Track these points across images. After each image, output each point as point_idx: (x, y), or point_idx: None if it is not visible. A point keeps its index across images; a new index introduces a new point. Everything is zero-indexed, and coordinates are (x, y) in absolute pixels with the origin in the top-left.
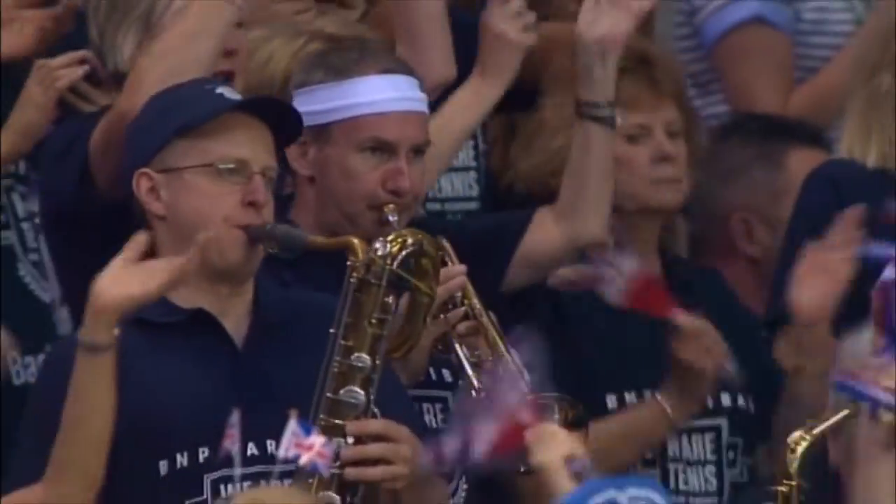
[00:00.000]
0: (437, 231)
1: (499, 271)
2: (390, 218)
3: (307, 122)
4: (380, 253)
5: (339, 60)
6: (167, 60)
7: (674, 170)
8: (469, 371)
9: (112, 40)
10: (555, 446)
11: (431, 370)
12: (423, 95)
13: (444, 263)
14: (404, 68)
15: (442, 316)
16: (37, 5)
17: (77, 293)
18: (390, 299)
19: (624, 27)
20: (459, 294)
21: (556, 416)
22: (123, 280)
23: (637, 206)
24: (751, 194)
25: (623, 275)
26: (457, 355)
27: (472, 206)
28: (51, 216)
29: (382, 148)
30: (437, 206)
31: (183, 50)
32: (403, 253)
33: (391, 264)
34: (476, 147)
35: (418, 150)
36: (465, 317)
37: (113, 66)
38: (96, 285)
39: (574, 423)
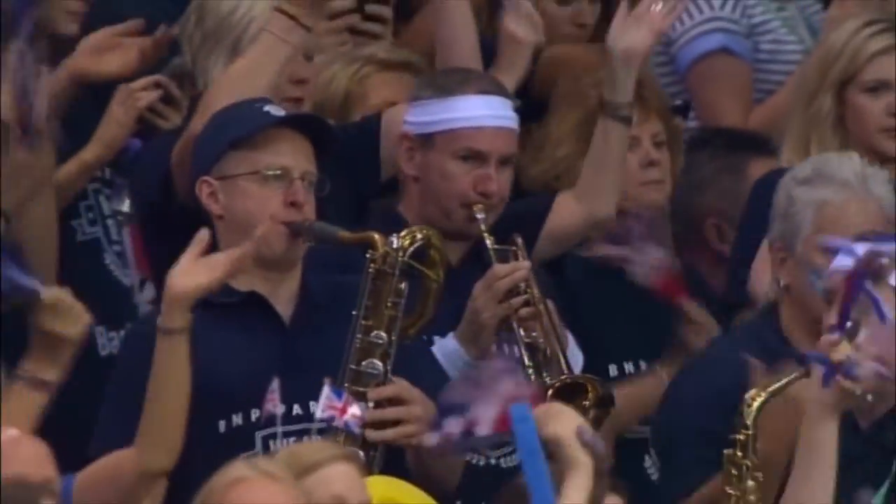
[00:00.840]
0: None
1: (528, 247)
2: (478, 216)
3: (416, 130)
4: (394, 246)
5: (445, 81)
6: (232, 88)
7: (659, 173)
8: (522, 350)
9: (203, 65)
10: (565, 419)
11: (495, 347)
12: (514, 115)
13: (517, 256)
14: (500, 90)
15: (507, 302)
16: (137, 34)
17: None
18: (403, 285)
19: (646, 42)
20: (523, 284)
21: (589, 395)
22: (192, 272)
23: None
24: (720, 201)
25: (650, 262)
26: (516, 335)
27: None
28: (140, 218)
29: (475, 157)
30: None
31: (245, 80)
32: (414, 246)
33: (403, 256)
34: None
35: (506, 161)
36: (526, 303)
37: (203, 88)
38: (169, 278)
39: (603, 401)
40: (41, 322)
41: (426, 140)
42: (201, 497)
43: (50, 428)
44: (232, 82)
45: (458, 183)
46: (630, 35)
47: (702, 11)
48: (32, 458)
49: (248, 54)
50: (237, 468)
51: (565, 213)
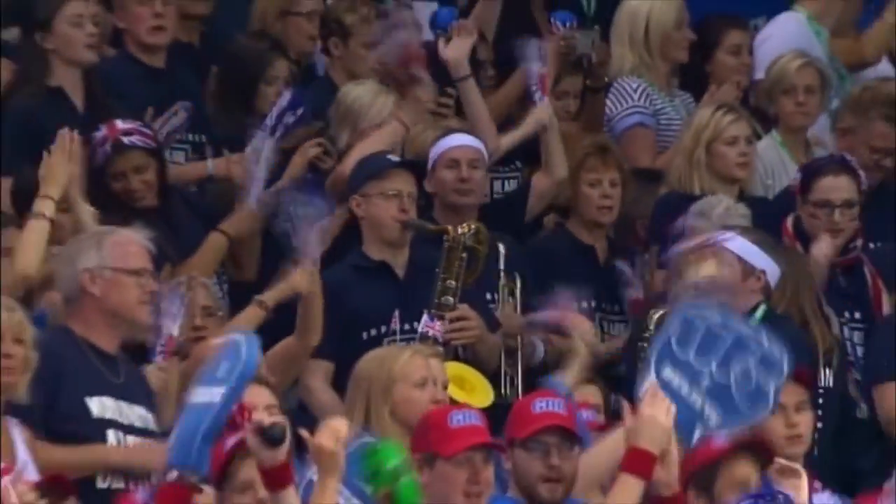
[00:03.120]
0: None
1: (521, 213)
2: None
3: None
4: (459, 232)
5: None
6: (369, 147)
7: (613, 201)
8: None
9: (339, 132)
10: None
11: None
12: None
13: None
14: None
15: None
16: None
17: None
18: (464, 255)
19: None
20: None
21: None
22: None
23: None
24: (644, 210)
25: (637, 285)
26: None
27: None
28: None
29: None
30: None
31: (376, 144)
32: (470, 232)
33: (464, 238)
34: (518, 170)
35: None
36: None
37: (339, 147)
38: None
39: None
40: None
41: None
42: (360, 366)
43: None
44: (370, 144)
45: None
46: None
47: (626, 102)
48: None
49: (382, 130)
50: (384, 349)
51: (544, 181)
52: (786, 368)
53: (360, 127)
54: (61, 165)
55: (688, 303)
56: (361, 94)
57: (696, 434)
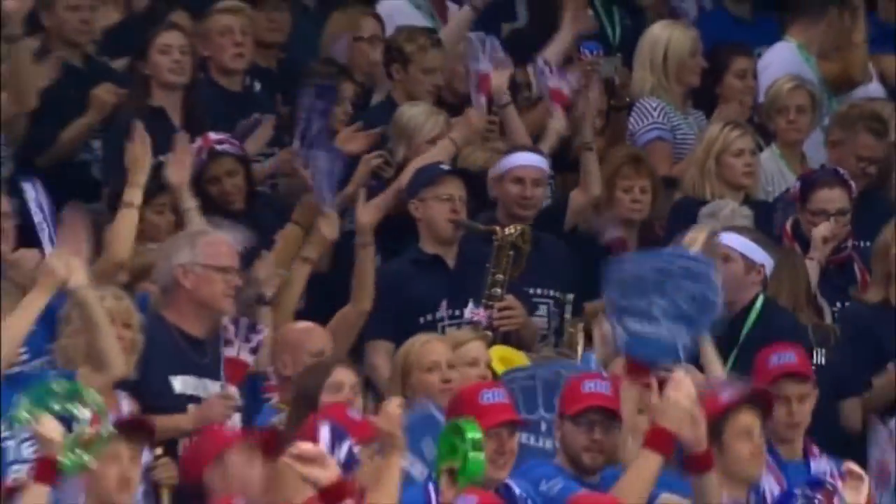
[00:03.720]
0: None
1: (562, 221)
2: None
3: None
4: (507, 233)
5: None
6: (425, 160)
7: (643, 205)
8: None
9: (396, 148)
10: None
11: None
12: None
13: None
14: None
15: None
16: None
17: None
18: (511, 252)
19: None
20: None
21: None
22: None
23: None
24: (662, 212)
25: None
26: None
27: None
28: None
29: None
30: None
31: (433, 158)
32: (517, 233)
33: (511, 237)
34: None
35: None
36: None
37: (397, 160)
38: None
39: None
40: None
41: None
42: (406, 347)
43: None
44: (425, 158)
45: None
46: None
47: (647, 119)
48: None
49: (436, 147)
50: (426, 336)
51: (580, 197)
52: (712, 273)
53: (415, 143)
54: (143, 154)
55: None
56: (416, 114)
57: (680, 353)
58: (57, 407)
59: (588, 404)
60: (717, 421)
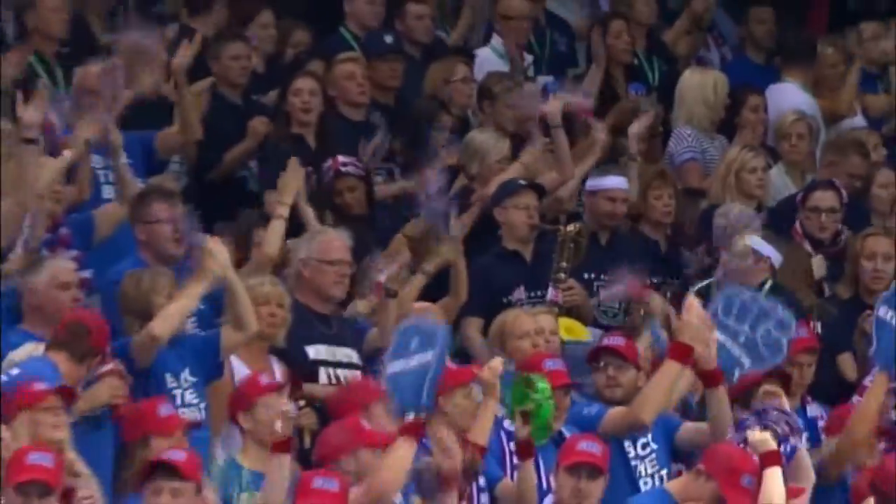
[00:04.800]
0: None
1: None
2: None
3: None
4: (569, 230)
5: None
6: (502, 178)
7: (671, 209)
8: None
9: (469, 164)
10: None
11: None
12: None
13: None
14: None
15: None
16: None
17: None
18: (572, 245)
19: None
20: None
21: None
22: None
23: (655, 223)
24: (693, 216)
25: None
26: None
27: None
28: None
29: None
30: None
31: (510, 174)
32: (575, 230)
33: (572, 233)
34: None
35: None
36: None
37: (471, 173)
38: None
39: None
40: None
41: None
42: (501, 319)
43: None
44: (505, 175)
45: None
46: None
47: (683, 144)
48: None
49: (511, 168)
50: (514, 311)
51: None
52: (793, 329)
53: (486, 162)
54: (293, 181)
55: (730, 285)
56: (486, 138)
57: (736, 373)
58: None
59: (600, 349)
60: (748, 390)
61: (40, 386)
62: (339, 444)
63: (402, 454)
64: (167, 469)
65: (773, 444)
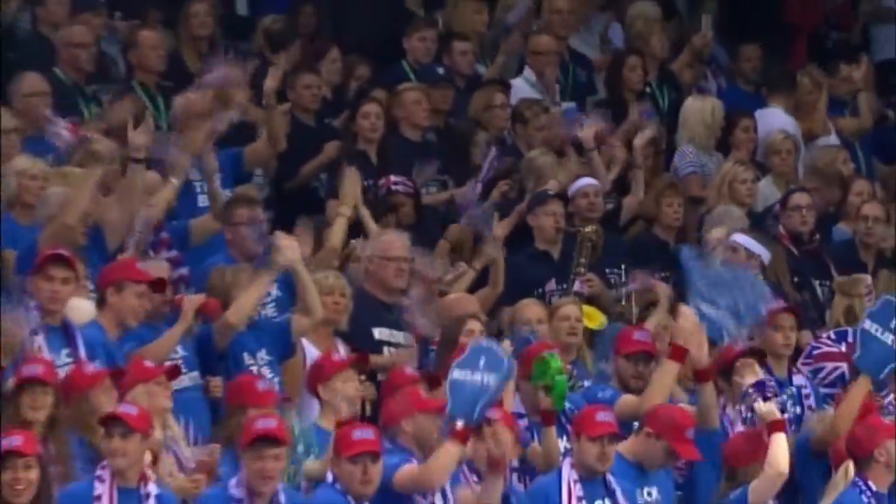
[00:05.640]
0: None
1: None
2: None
3: None
4: (587, 230)
5: None
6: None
7: (679, 215)
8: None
9: (526, 181)
10: None
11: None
12: None
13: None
14: None
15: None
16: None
17: None
18: (589, 244)
19: None
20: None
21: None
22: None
23: (667, 227)
24: (694, 220)
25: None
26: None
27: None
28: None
29: None
30: None
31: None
32: (591, 231)
33: (588, 234)
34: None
35: None
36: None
37: (529, 188)
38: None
39: None
40: None
41: None
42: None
43: None
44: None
45: None
46: None
47: (686, 159)
48: None
49: (556, 180)
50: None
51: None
52: (768, 294)
53: (542, 179)
54: (350, 188)
55: (705, 263)
56: (545, 160)
57: (726, 338)
58: None
59: (634, 349)
60: (728, 365)
61: (151, 364)
62: (399, 411)
63: (449, 455)
64: (268, 438)
65: (777, 414)
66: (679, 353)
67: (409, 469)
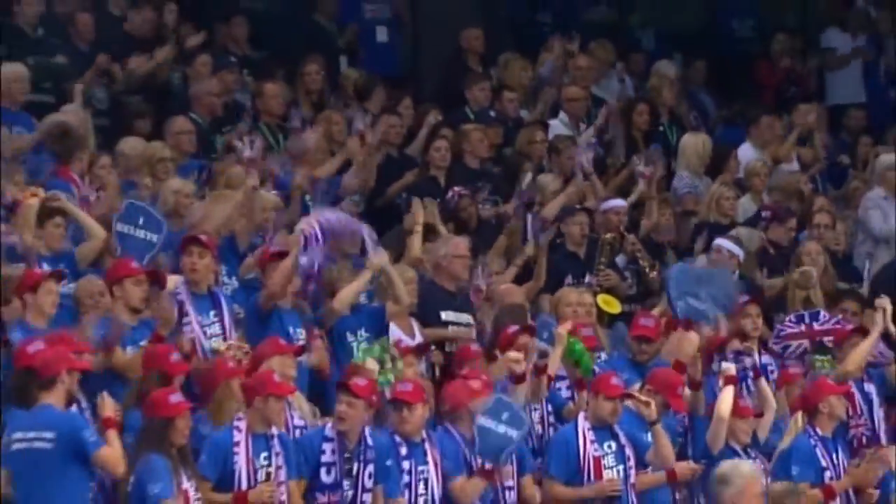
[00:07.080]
0: None
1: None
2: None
3: None
4: (606, 237)
5: None
6: (560, 203)
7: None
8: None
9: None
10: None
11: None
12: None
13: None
14: None
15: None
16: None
17: None
18: (608, 247)
19: None
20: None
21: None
22: None
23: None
24: (687, 229)
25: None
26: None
27: None
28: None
29: None
30: None
31: (564, 202)
32: (611, 237)
33: (609, 240)
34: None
35: None
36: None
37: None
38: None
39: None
40: None
41: None
42: (555, 297)
43: None
44: (556, 201)
45: None
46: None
47: (682, 182)
48: None
49: (562, 197)
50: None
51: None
52: (738, 283)
53: (546, 195)
54: (418, 210)
55: (685, 267)
56: (545, 179)
57: (710, 322)
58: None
59: (636, 334)
60: (708, 350)
61: (282, 341)
62: (456, 400)
63: (478, 488)
64: (346, 388)
65: (732, 371)
66: (680, 369)
67: (453, 485)
